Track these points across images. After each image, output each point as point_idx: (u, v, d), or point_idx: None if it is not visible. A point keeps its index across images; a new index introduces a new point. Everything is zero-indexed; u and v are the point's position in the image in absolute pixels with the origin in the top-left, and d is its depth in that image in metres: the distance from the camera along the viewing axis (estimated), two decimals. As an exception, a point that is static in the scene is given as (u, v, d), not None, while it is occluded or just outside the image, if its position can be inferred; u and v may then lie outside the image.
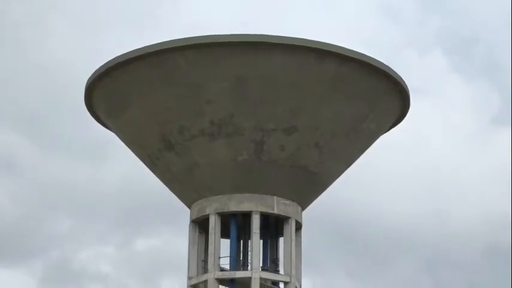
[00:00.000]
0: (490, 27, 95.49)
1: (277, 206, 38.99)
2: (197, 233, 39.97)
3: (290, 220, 39.25)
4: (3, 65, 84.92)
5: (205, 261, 39.22)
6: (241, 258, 39.92)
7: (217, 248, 38.88)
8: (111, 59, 38.04)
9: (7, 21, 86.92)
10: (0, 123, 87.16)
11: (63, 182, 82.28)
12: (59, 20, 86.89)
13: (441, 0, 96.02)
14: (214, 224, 38.64)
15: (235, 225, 39.37)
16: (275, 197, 38.89)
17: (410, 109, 41.61)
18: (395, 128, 43.30)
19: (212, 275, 38.27)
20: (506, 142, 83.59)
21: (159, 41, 36.91)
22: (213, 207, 38.90)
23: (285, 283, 38.98)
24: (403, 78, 39.51)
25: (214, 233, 38.65)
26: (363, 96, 38.39)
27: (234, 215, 39.15)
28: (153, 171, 41.91)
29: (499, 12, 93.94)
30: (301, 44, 36.07)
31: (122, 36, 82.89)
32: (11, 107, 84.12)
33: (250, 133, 37.11)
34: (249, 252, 39.32)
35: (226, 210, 38.86)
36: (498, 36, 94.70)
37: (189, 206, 40.66)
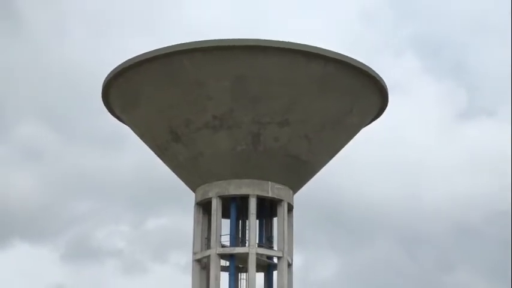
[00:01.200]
0: (457, 32, 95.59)
1: (272, 190, 39.11)
2: (201, 214, 40.06)
3: (283, 203, 39.43)
4: (31, 65, 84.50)
5: (208, 238, 39.34)
6: (239, 236, 39.89)
7: (219, 227, 39.02)
8: (125, 60, 38.24)
9: (34, 26, 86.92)
10: (29, 118, 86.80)
11: (83, 169, 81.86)
12: (79, 26, 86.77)
13: (414, 8, 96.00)
14: (216, 206, 38.79)
15: (235, 207, 39.41)
16: (270, 182, 38.96)
17: (388, 105, 41.59)
18: (376, 121, 43.38)
19: (214, 250, 38.52)
20: (471, 133, 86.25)
21: (167, 45, 37.23)
22: (215, 191, 39.01)
23: (278, 258, 39.16)
24: (382, 77, 39.62)
25: (216, 214, 38.79)
26: (346, 93, 38.46)
27: (233, 198, 39.19)
28: (162, 160, 41.97)
29: (465, 18, 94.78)
30: (292, 47, 36.19)
31: (134, 39, 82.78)
32: (38, 103, 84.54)
33: (248, 126, 37.23)
34: (247, 231, 39.38)
35: (226, 193, 38.97)
36: (464, 40, 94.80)
37: (193, 190, 40.75)
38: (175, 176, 42.13)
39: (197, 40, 36.82)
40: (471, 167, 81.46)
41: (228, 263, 39.52)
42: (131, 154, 72.57)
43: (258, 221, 39.41)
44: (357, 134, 42.58)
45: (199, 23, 79.49)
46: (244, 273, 39.18)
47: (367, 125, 42.88)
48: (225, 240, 39.32)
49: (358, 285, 79.58)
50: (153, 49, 37.37)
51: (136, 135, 42.91)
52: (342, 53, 37.61)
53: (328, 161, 42.21)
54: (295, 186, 40.90)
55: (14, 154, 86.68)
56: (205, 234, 39.69)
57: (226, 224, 39.52)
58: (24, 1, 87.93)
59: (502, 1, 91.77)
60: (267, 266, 40.20)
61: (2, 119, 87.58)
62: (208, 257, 38.69)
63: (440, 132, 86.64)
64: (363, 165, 65.16)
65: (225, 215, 39.47)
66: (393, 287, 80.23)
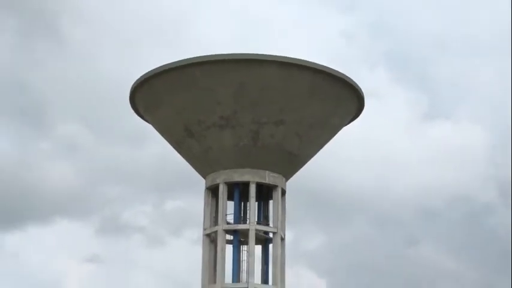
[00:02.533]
0: (421, 48, 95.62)
1: (268, 177, 39.30)
2: (210, 197, 40.24)
3: (277, 188, 39.68)
4: (72, 75, 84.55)
5: (216, 217, 39.42)
6: (241, 215, 39.91)
7: (225, 208, 39.18)
8: (148, 71, 38.44)
9: (75, 43, 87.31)
10: (69, 118, 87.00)
11: (113, 159, 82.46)
12: (110, 43, 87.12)
13: (385, 29, 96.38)
14: (222, 190, 39.07)
15: (238, 191, 39.71)
16: (267, 171, 39.22)
17: (364, 108, 41.83)
18: (354, 121, 43.41)
19: (221, 227, 38.85)
20: (432, 132, 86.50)
21: (182, 58, 37.35)
22: (221, 178, 39.24)
23: (273, 233, 39.56)
24: (359, 86, 39.75)
25: (223, 197, 39.00)
26: (330, 98, 38.67)
27: (237, 184, 39.43)
28: (178, 152, 42.08)
29: (427, 37, 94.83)
30: (285, 61, 36.45)
31: (155, 53, 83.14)
32: (77, 106, 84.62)
33: (249, 125, 37.58)
34: (248, 211, 39.49)
35: (231, 180, 39.22)
36: (426, 55, 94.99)
37: (204, 177, 41.03)
38: (189, 165, 42.20)
39: (207, 54, 37.02)
40: (433, 160, 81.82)
41: (232, 237, 39.82)
42: (153, 148, 72.37)
43: (256, 203, 39.60)
44: (339, 132, 42.70)
45: (209, 40, 79.58)
46: (245, 246, 39.31)
47: (346, 125, 42.90)
48: (230, 218, 39.43)
49: (339, 256, 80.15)
50: (171, 61, 37.53)
51: (157, 132, 43.01)
52: (326, 65, 37.69)
53: (315, 154, 42.31)
54: (288, 175, 41.04)
55: (58, 147, 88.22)
56: (213, 213, 39.83)
57: (230, 205, 39.73)
58: (67, 23, 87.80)
59: (457, 22, 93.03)
60: (264, 240, 40.35)
61: (48, 120, 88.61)
62: (216, 232, 39.01)
63: (407, 132, 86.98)
64: (343, 158, 65.66)
65: (230, 197, 39.63)
66: (367, 259, 79.91)
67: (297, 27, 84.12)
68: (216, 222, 39.37)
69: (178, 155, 42.37)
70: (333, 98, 38.80)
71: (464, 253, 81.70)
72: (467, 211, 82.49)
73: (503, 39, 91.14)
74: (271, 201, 40.49)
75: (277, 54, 36.66)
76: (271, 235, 39.91)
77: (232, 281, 38.91)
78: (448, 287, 77.38)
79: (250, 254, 38.46)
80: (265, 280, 39.82)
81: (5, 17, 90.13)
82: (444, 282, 77.21)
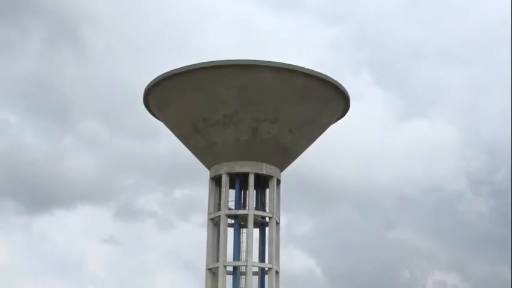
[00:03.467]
0: (399, 56, 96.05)
1: (265, 169, 39.48)
2: (214, 186, 40.25)
3: (273, 178, 39.90)
4: (92, 78, 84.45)
5: (219, 203, 39.63)
6: (241, 202, 40.11)
7: (227, 195, 39.41)
8: (160, 74, 38.57)
9: (94, 49, 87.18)
10: (89, 116, 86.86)
11: (128, 153, 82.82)
12: (126, 49, 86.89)
13: (367, 39, 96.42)
14: (224, 180, 39.26)
15: (239, 181, 39.86)
16: (264, 163, 39.41)
17: (350, 108, 41.96)
18: (341, 120, 43.44)
19: (223, 212, 39.09)
20: (408, 129, 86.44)
21: (190, 63, 37.53)
22: (224, 169, 39.38)
23: (269, 218, 39.78)
24: (345, 88, 39.90)
25: (225, 186, 39.25)
26: (319, 99, 38.83)
27: (237, 174, 39.55)
28: (186, 146, 42.20)
29: (405, 46, 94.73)
30: (280, 66, 36.74)
31: (166, 59, 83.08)
32: (96, 105, 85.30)
33: (249, 123, 37.76)
34: (247, 198, 39.71)
35: (233, 171, 39.37)
36: (404, 62, 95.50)
37: (208, 169, 41.11)
38: (195, 158, 42.25)
39: (212, 60, 37.29)
40: (409, 154, 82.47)
41: (233, 221, 40.01)
42: (163, 142, 71.97)
43: (255, 191, 39.68)
44: (327, 129, 42.73)
45: (214, 47, 78.95)
46: (245, 229, 39.46)
47: (334, 122, 43.02)
48: (231, 204, 39.67)
49: (326, 238, 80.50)
50: (180, 66, 37.75)
51: (167, 129, 43.08)
52: (316, 70, 37.82)
53: (306, 149, 42.30)
54: (282, 166, 41.15)
55: (80, 142, 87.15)
56: (217, 200, 39.90)
57: (232, 193, 39.92)
58: (88, 32, 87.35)
59: (431, 33, 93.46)
60: (261, 224, 40.49)
61: (71, 117, 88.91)
62: (219, 216, 39.22)
63: (387, 129, 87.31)
64: (331, 151, 65.58)
65: (231, 186, 39.80)
66: (351, 241, 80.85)
67: (290, 37, 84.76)
68: (219, 208, 39.62)
69: (186, 149, 42.44)
70: (322, 99, 39.07)
71: (436, 235, 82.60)
72: (440, 199, 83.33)
73: (471, 49, 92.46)
74: (267, 190, 40.56)
75: (273, 61, 37.00)
76: (267, 219, 40.06)
77: (233, 260, 39.11)
78: (422, 265, 78.07)
79: (249, 236, 38.81)
80: (262, 259, 40.02)
81: (34, 27, 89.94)
82: (418, 261, 78.18)
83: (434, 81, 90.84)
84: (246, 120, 37.80)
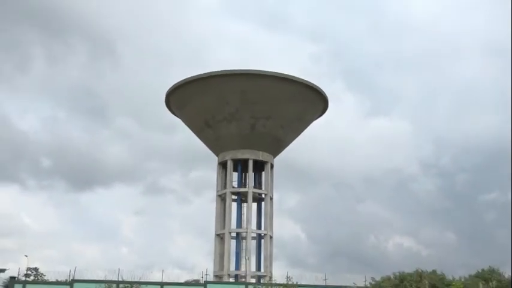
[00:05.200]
0: (367, 66, 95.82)
1: (262, 156, 40.11)
2: (221, 169, 40.87)
3: (268, 163, 40.65)
4: (124, 82, 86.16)
5: (225, 183, 40.23)
6: (243, 182, 40.57)
7: (231, 176, 40.21)
8: (178, 81, 38.99)
9: (126, 59, 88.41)
10: (122, 114, 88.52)
11: (153, 143, 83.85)
12: (152, 59, 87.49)
13: (341, 53, 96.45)
14: (229, 164, 39.96)
15: (240, 165, 40.45)
16: (260, 151, 40.08)
17: (328, 108, 42.26)
18: (321, 117, 43.75)
19: (228, 190, 39.90)
20: (374, 126, 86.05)
21: (202, 72, 38.07)
22: (229, 156, 39.98)
23: (265, 194, 40.48)
24: (325, 92, 40.36)
25: (230, 169, 39.96)
26: (304, 100, 39.39)
27: (239, 160, 40.10)
28: (199, 138, 42.51)
29: (373, 57, 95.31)
30: (273, 74, 37.32)
31: (182, 68, 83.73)
32: (127, 105, 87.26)
33: (248, 119, 38.35)
34: (247, 179, 40.30)
35: (236, 158, 39.93)
36: (371, 71, 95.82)
37: (217, 155, 41.54)
38: (206, 147, 42.68)
39: (219, 69, 37.65)
40: (374, 144, 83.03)
41: (236, 197, 40.72)
42: (180, 135, 73.85)
43: (253, 173, 40.35)
44: (310, 125, 43.22)
45: (221, 59, 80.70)
46: (245, 203, 40.10)
47: (316, 119, 43.50)
48: (234, 184, 40.53)
49: (309, 210, 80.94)
50: (194, 74, 38.36)
51: (183, 124, 43.51)
52: (301, 77, 38.51)
53: (293, 140, 42.82)
54: (275, 154, 41.86)
55: (115, 134, 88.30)
56: (223, 180, 40.60)
57: (235, 175, 40.76)
58: (121, 46, 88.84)
59: (391, 47, 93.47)
60: (258, 199, 41.10)
61: (107, 114, 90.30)
62: (225, 193, 40.07)
63: (356, 124, 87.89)
64: (313, 142, 65.72)
65: (235, 169, 40.57)
66: (329, 212, 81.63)
67: (280, 51, 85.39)
68: (225, 187, 40.46)
69: (199, 140, 43.17)
70: (306, 101, 39.81)
71: (394, 208, 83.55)
72: (397, 179, 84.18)
73: (421, 60, 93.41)
74: (263, 172, 41.35)
75: (268, 70, 37.57)
76: (263, 196, 41.02)
77: (236, 227, 40.04)
78: (384, 231, 78.85)
79: (249, 209, 39.88)
80: (259, 227, 40.95)
81: (77, 42, 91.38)
82: (381, 228, 79.05)
83: (392, 86, 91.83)
84: (246, 117, 38.39)
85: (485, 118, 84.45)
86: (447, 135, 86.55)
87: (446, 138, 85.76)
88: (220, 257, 39.37)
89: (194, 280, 34.11)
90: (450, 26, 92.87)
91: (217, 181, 41.35)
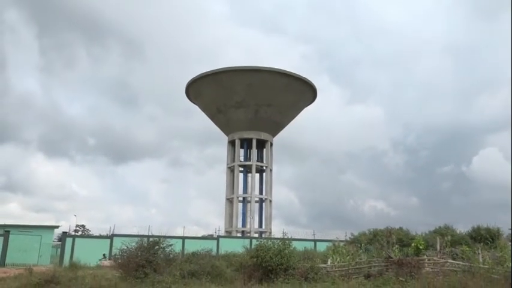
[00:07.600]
0: (349, 64, 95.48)
1: (263, 136, 39.87)
2: (230, 147, 40.65)
3: (268, 142, 40.41)
4: (151, 78, 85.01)
5: (234, 157, 40.13)
6: (248, 156, 40.21)
7: (238, 152, 40.03)
8: (195, 76, 38.88)
9: (152, 58, 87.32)
10: (150, 103, 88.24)
11: (175, 126, 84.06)
12: (174, 59, 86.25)
13: (327, 53, 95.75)
14: (237, 143, 39.82)
15: (246, 143, 40.20)
16: (262, 132, 39.82)
17: (317, 97, 42.02)
18: (311, 105, 43.03)
19: (236, 163, 39.72)
20: (353, 111, 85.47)
21: (215, 68, 37.76)
22: (237, 136, 39.81)
23: (265, 167, 40.43)
24: (314, 84, 40.19)
25: (237, 146, 39.84)
26: (297, 91, 39.05)
27: (245, 139, 39.86)
28: (213, 121, 41.90)
29: (352, 56, 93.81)
30: (273, 70, 37.10)
31: (200, 64, 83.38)
32: (154, 96, 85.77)
33: (253, 107, 38.11)
34: (251, 154, 40.10)
35: (242, 137, 39.74)
36: (352, 69, 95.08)
37: (227, 135, 41.25)
38: (218, 129, 42.38)
39: (229, 66, 37.64)
40: (353, 126, 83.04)
41: (242, 169, 40.58)
42: (198, 119, 75.40)
43: (256, 150, 40.19)
44: (303, 110, 43.01)
45: (231, 57, 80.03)
46: (250, 174, 39.88)
47: (307, 106, 42.84)
48: (241, 158, 40.33)
49: (302, 180, 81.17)
50: (208, 70, 38.15)
51: (200, 110, 43.06)
52: (295, 72, 38.30)
53: (289, 123, 42.50)
54: (274, 134, 41.54)
55: (143, 119, 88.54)
56: (232, 156, 40.42)
57: (242, 151, 40.50)
58: (149, 47, 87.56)
59: (369, 47, 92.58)
60: (260, 170, 40.95)
61: (139, 102, 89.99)
62: (234, 166, 39.98)
63: (340, 110, 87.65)
64: (305, 125, 66.44)
65: (241, 147, 40.33)
66: (317, 182, 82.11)
67: (278, 51, 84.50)
68: (233, 160, 40.36)
69: (212, 123, 42.83)
70: (299, 91, 39.47)
71: (370, 178, 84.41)
72: (372, 154, 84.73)
73: (393, 58, 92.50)
74: (264, 149, 41.11)
75: (268, 66, 37.49)
76: (264, 168, 40.92)
77: (243, 193, 39.96)
78: (361, 196, 79.36)
79: (253, 178, 39.86)
80: (261, 193, 40.77)
81: (113, 44, 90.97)
82: (358, 194, 79.74)
83: (368, 79, 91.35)
84: (251, 105, 38.20)
85: (443, 106, 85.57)
86: (413, 119, 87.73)
87: (412, 121, 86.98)
88: (229, 217, 39.57)
89: (209, 235, 34.45)
90: (416, 30, 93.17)
91: (227, 156, 41.32)
